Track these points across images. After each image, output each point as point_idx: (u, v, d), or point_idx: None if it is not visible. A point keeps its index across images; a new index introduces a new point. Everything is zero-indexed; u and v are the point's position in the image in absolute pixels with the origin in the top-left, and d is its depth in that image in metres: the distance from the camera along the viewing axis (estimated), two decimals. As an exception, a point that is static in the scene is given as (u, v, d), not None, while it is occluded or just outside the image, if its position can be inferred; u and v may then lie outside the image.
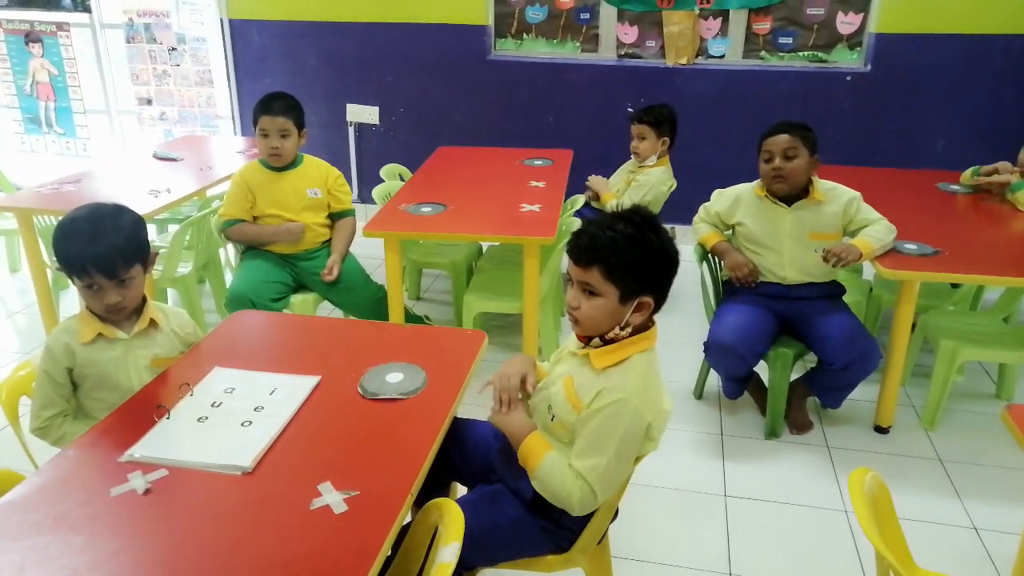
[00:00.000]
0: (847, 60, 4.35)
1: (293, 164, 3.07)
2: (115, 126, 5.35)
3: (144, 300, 1.86)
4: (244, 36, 4.85)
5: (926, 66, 4.19)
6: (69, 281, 1.76)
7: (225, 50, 4.88)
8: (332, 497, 1.35)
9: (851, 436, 2.78)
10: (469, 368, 1.81)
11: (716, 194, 2.86)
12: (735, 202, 2.76)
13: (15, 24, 5.16)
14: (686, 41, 4.38)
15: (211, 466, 1.44)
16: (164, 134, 5.19)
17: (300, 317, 2.60)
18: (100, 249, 1.69)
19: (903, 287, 2.62)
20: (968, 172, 3.44)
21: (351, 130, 4.93)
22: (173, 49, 5.00)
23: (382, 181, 3.83)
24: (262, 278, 2.96)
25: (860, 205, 2.67)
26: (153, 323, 1.86)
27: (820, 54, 4.36)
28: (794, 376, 2.78)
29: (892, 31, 4.17)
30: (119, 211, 1.79)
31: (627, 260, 1.48)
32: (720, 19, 4.37)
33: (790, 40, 4.37)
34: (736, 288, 2.78)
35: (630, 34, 4.51)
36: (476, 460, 1.77)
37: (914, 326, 2.83)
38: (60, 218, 1.77)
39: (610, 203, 3.54)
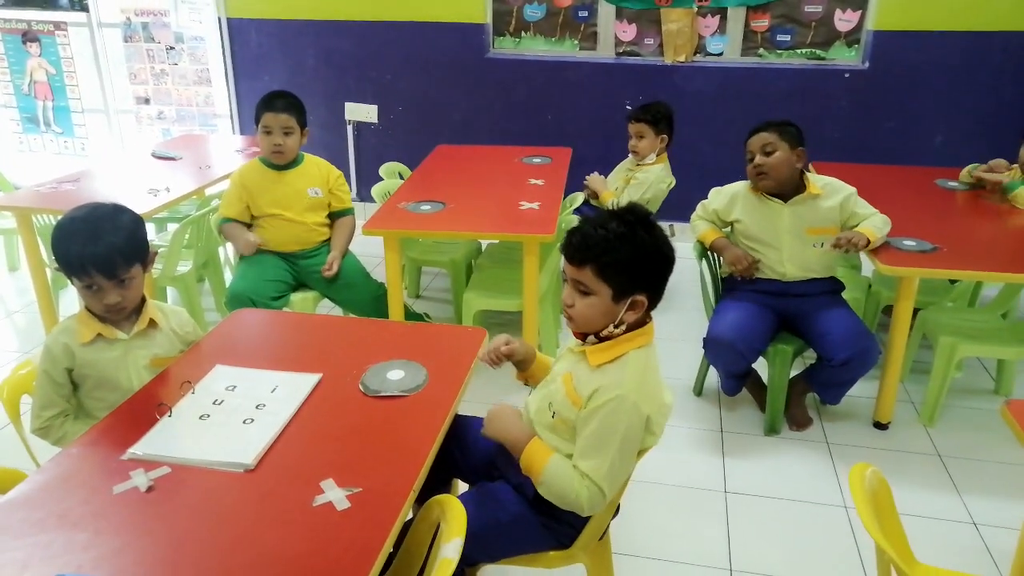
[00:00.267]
0: (845, 57, 4.35)
1: (294, 163, 3.07)
2: (113, 125, 5.34)
3: (143, 300, 1.85)
4: (242, 35, 4.85)
5: (924, 63, 4.19)
6: (68, 280, 1.76)
7: (223, 49, 4.87)
8: (334, 494, 1.35)
9: (850, 432, 2.79)
10: (470, 365, 1.81)
11: (714, 192, 2.87)
12: (732, 199, 2.77)
13: (12, 23, 5.16)
14: (684, 39, 4.39)
15: (213, 463, 1.44)
16: (162, 133, 5.19)
17: (301, 315, 2.61)
18: (99, 249, 1.68)
19: (902, 283, 2.63)
20: (966, 169, 3.45)
21: (350, 129, 4.93)
22: (171, 48, 5.00)
23: (381, 179, 3.83)
24: (262, 277, 2.96)
25: (857, 200, 2.68)
26: (152, 323, 1.85)
27: (818, 51, 4.37)
28: (793, 373, 2.78)
29: (890, 28, 4.18)
30: (118, 211, 1.78)
31: (619, 259, 1.49)
32: (718, 17, 4.38)
33: (788, 37, 4.37)
34: (735, 285, 2.78)
35: (628, 32, 4.51)
36: (477, 456, 1.77)
37: (913, 322, 2.84)
38: (59, 217, 1.77)
39: (609, 201, 3.55)
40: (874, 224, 2.61)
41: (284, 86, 3.43)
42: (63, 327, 1.80)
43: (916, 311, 2.84)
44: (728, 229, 2.84)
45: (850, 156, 4.15)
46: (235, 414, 1.60)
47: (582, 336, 1.60)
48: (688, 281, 3.22)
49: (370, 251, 3.47)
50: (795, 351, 2.72)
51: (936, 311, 3.02)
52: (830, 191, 2.68)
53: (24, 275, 3.76)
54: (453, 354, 1.86)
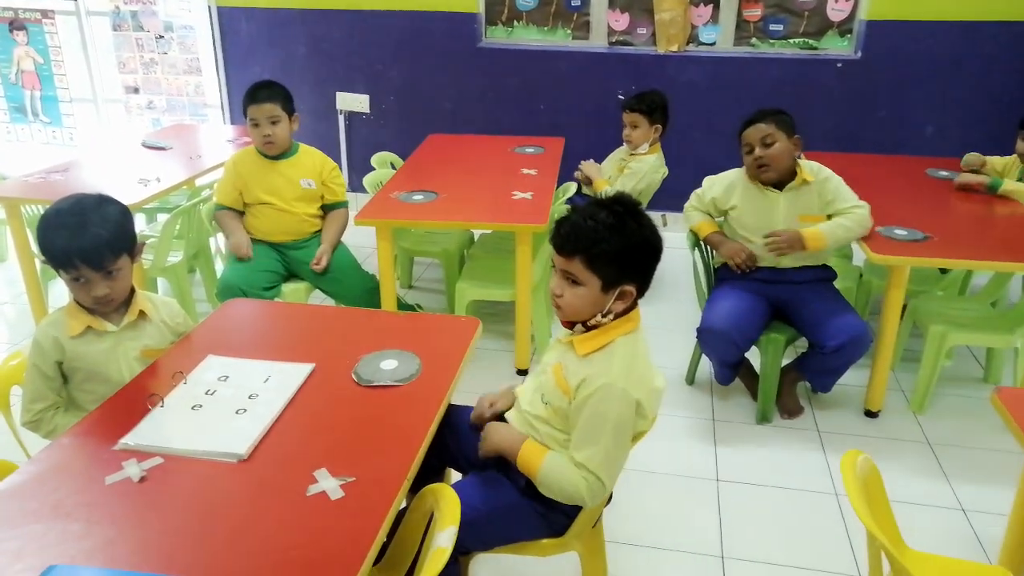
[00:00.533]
0: (838, 47, 4.35)
1: (288, 153, 3.05)
2: (102, 115, 5.29)
3: (133, 291, 1.84)
4: (232, 23, 4.80)
5: (916, 53, 4.19)
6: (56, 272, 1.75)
7: (213, 38, 4.83)
8: (328, 483, 1.35)
9: (841, 420, 2.81)
10: (463, 355, 1.81)
11: (708, 180, 2.85)
12: (729, 187, 2.76)
13: (-1, 11, 5.10)
14: (677, 28, 4.38)
15: (206, 453, 1.44)
16: (152, 123, 5.14)
17: (293, 305, 2.60)
18: (85, 241, 1.66)
19: (893, 272, 2.64)
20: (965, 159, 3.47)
21: (341, 118, 4.90)
22: (160, 37, 4.95)
23: (373, 169, 3.81)
24: (253, 267, 2.95)
25: (838, 188, 2.67)
26: (142, 314, 1.84)
27: (811, 41, 4.36)
28: (785, 361, 2.80)
29: (883, 18, 4.17)
30: (103, 201, 1.75)
31: (608, 249, 1.49)
32: (711, 6, 4.36)
33: (781, 27, 4.36)
34: (728, 274, 2.79)
35: (621, 21, 4.49)
36: (471, 445, 1.77)
37: (904, 311, 2.86)
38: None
39: (602, 190, 3.54)
40: (837, 228, 2.62)
41: (275, 75, 3.41)
42: (52, 320, 1.78)
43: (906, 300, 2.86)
44: (722, 219, 2.84)
45: (842, 145, 4.16)
46: (228, 404, 1.59)
47: (570, 325, 1.61)
48: (681, 271, 3.24)
49: (362, 241, 3.46)
50: (787, 340, 2.74)
51: (926, 300, 3.04)
52: (821, 178, 2.68)
53: (13, 266, 3.73)
54: (446, 344, 1.86)
